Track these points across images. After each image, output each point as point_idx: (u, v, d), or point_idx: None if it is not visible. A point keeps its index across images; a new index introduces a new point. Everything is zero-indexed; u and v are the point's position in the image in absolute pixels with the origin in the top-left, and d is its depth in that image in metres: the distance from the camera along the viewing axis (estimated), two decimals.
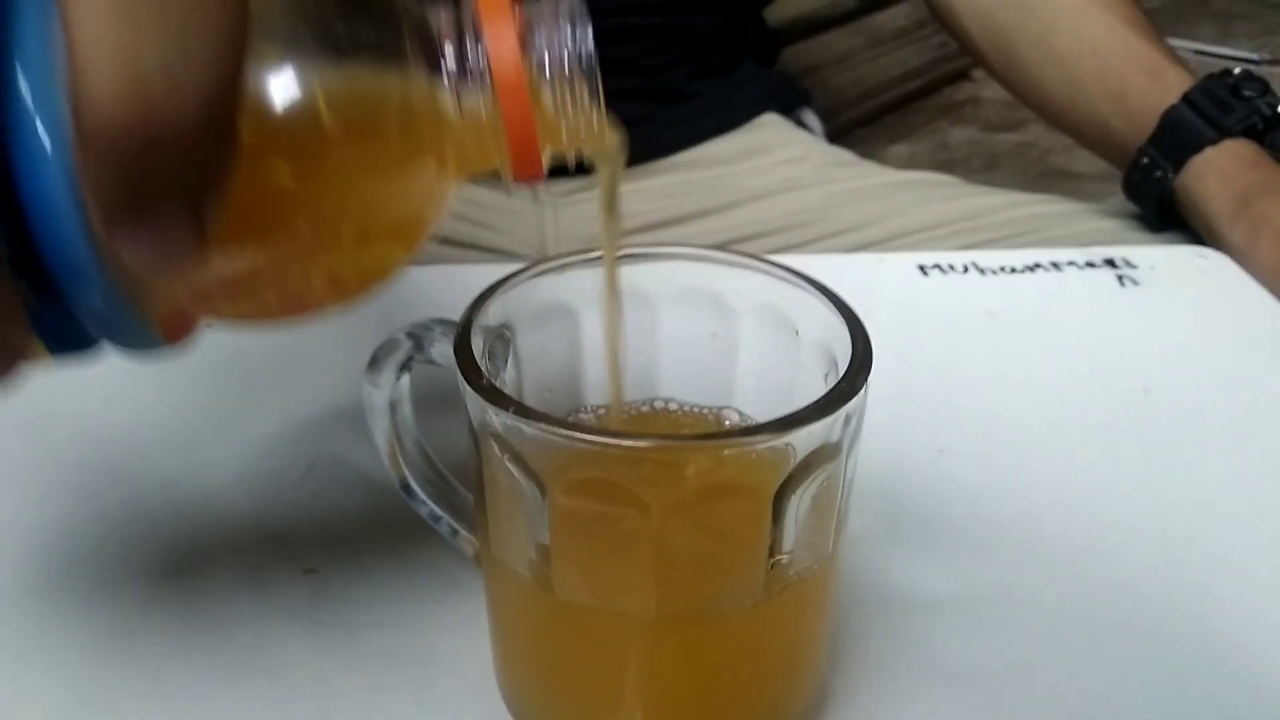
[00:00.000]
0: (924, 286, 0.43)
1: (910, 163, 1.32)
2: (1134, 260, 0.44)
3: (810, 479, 0.19)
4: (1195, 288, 0.43)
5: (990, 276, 0.43)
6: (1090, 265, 0.44)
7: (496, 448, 0.19)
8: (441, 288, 0.41)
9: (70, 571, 0.28)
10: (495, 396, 0.18)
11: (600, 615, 0.20)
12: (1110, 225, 0.55)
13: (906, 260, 0.44)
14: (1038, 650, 0.26)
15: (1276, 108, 0.50)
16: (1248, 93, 0.50)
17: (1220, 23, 1.68)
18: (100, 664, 0.26)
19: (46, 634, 0.27)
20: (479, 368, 0.19)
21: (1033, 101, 0.61)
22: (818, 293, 0.21)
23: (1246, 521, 0.31)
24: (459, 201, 0.63)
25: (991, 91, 0.65)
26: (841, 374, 0.19)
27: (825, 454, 0.19)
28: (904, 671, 0.25)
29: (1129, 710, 0.25)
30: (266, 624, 0.27)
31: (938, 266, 0.44)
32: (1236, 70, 0.52)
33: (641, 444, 0.18)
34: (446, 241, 0.60)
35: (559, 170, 0.67)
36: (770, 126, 0.67)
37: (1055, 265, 0.44)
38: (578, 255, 0.23)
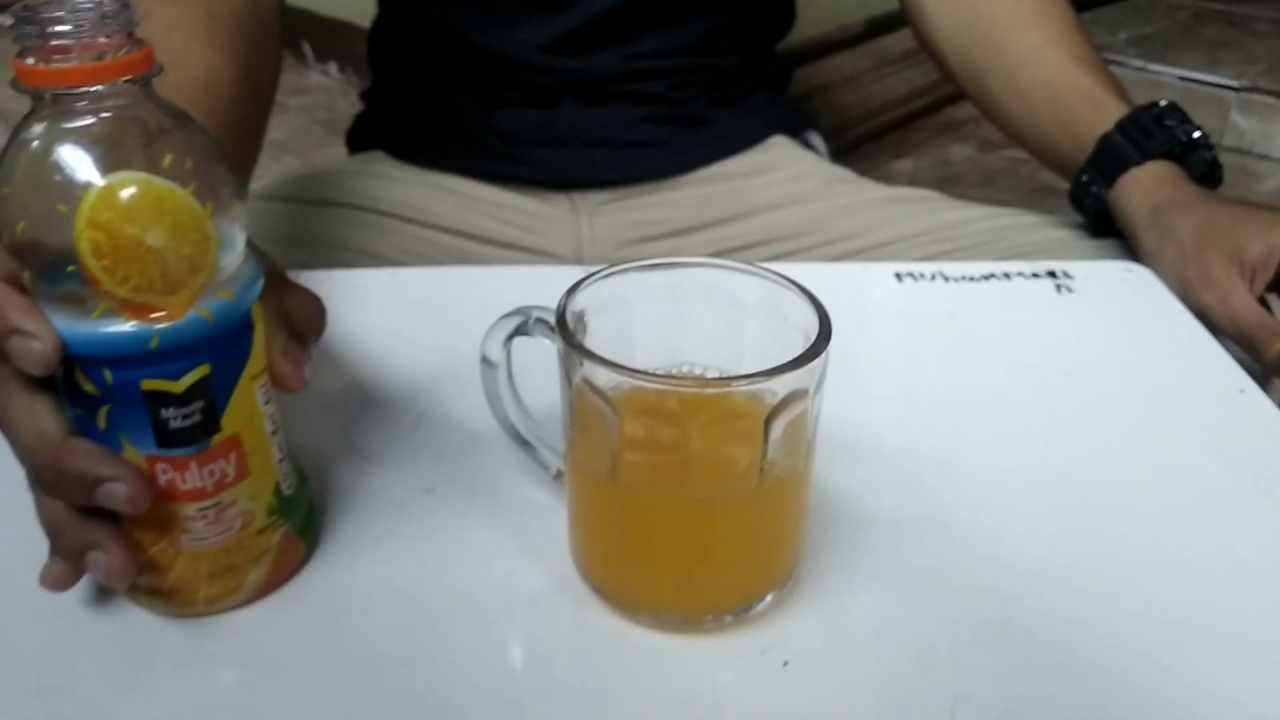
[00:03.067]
0: (899, 290, 0.52)
1: (913, 177, 1.40)
2: (1071, 272, 0.54)
3: (787, 411, 0.29)
4: (1120, 296, 0.53)
5: (953, 283, 0.53)
6: (1035, 275, 0.53)
7: (585, 387, 0.29)
8: (495, 284, 0.52)
9: None
10: (586, 351, 0.29)
11: (650, 500, 0.31)
12: (1063, 235, 0.64)
13: (886, 269, 0.54)
14: (961, 554, 0.36)
15: (1192, 135, 0.59)
16: (1169, 122, 0.59)
17: (1208, 50, 1.76)
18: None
19: None
20: (573, 332, 0.30)
21: (999, 124, 0.69)
22: (800, 292, 0.31)
23: (1142, 467, 0.40)
24: (507, 209, 0.73)
25: None
26: (810, 344, 0.29)
27: (798, 395, 0.29)
28: (857, 566, 0.35)
29: (1034, 606, 0.34)
30: (393, 532, 0.37)
31: (911, 274, 0.53)
32: (1163, 102, 0.61)
33: (680, 383, 0.28)
34: (494, 243, 0.69)
35: (594, 182, 0.77)
36: (779, 147, 0.75)
37: (1006, 275, 0.53)
38: (631, 265, 0.33)
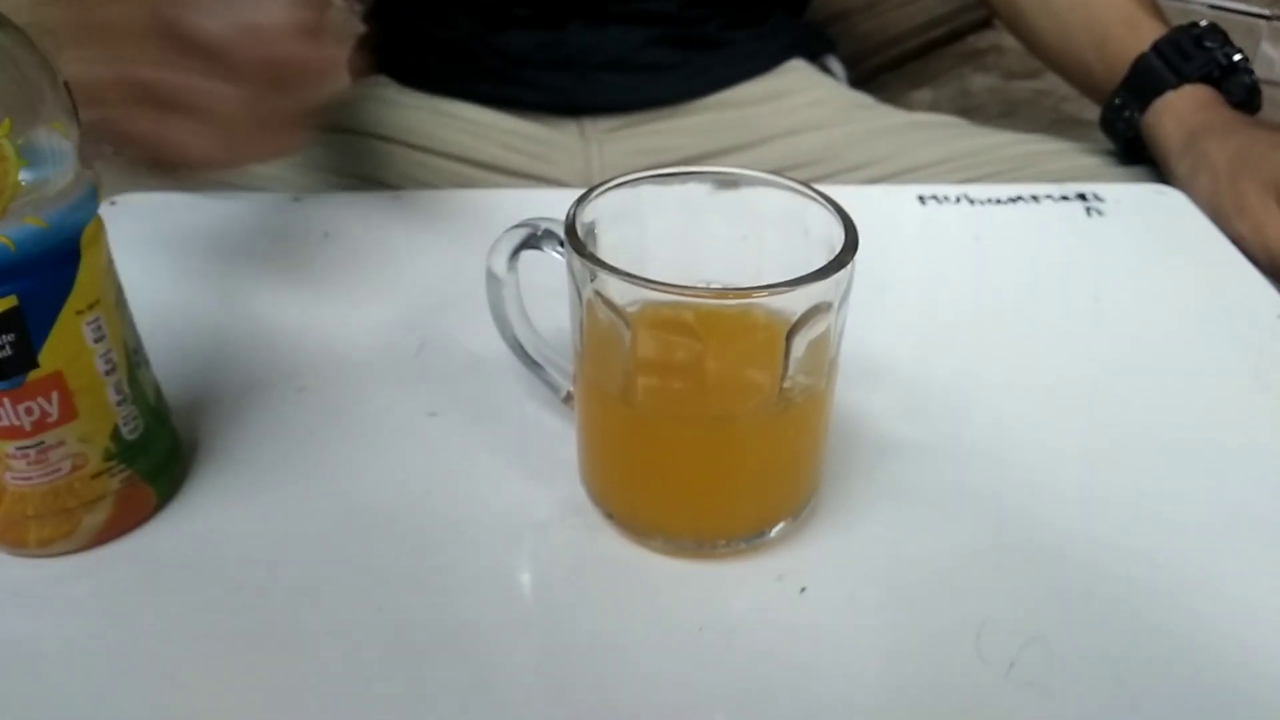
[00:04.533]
0: (922, 213, 0.50)
1: (932, 108, 1.36)
2: (1102, 195, 0.52)
3: (809, 327, 0.27)
4: (1151, 219, 0.50)
5: (979, 206, 0.51)
6: (1064, 199, 0.51)
7: (597, 300, 0.28)
8: (502, 207, 0.50)
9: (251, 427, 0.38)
10: (597, 261, 0.27)
11: (665, 420, 0.29)
12: (1092, 162, 0.62)
13: (908, 191, 0.52)
14: (984, 479, 0.35)
15: (1233, 58, 0.56)
16: (1209, 44, 0.56)
17: None
18: (282, 472, 0.35)
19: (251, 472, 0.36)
20: (584, 243, 0.28)
21: (1031, 45, 0.67)
22: (824, 203, 0.30)
23: (1174, 393, 0.39)
24: (513, 135, 0.70)
25: (1012, 40, 0.68)
26: (834, 256, 0.27)
27: (820, 310, 0.27)
28: (877, 491, 0.34)
29: (1060, 531, 0.33)
30: (399, 453, 0.36)
31: (934, 197, 0.51)
32: (1203, 23, 0.58)
33: (697, 294, 0.26)
34: (503, 170, 0.67)
35: (603, 107, 0.75)
36: (797, 71, 0.72)
37: (1034, 198, 0.51)
38: (642, 174, 0.31)
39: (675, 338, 0.28)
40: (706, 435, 0.29)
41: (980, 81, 1.43)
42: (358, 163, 0.63)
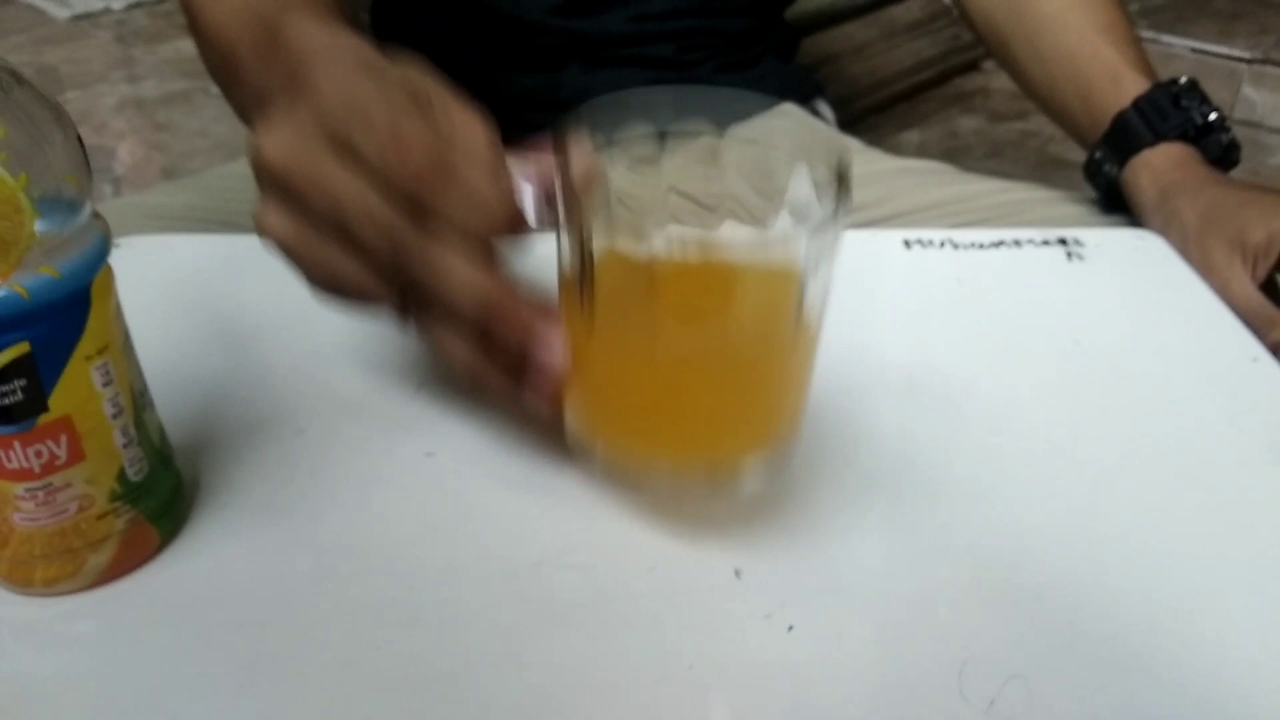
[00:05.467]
0: (908, 257, 0.52)
1: (921, 148, 1.39)
2: (1083, 240, 0.53)
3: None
4: (1131, 264, 0.52)
5: (962, 250, 0.52)
6: (1046, 243, 0.53)
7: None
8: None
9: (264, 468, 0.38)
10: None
11: (687, 357, 0.32)
12: (1075, 211, 0.63)
13: (894, 236, 0.53)
14: (967, 518, 0.36)
15: (1208, 117, 0.58)
16: (1185, 103, 0.58)
17: (1221, 21, 1.74)
18: (290, 507, 0.36)
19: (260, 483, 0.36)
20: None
21: (1022, 88, 0.69)
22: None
23: (1152, 435, 0.40)
24: None
25: (999, 82, 0.70)
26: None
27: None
28: (862, 526, 0.35)
29: (1042, 570, 0.34)
30: (397, 493, 0.37)
31: (919, 241, 0.53)
32: (1182, 80, 0.60)
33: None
34: None
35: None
36: (788, 115, 0.73)
37: (1017, 243, 0.53)
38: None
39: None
40: (721, 363, 0.32)
41: (967, 123, 1.46)
42: None
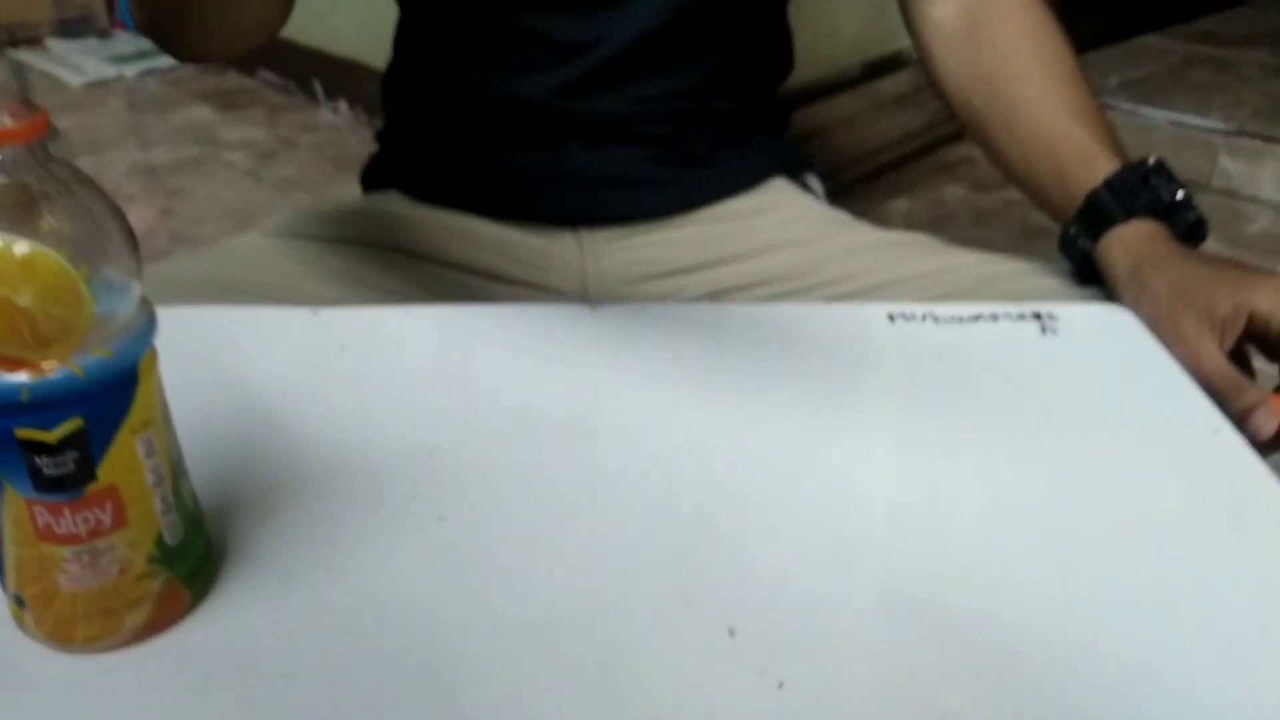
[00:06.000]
0: (891, 330, 0.55)
1: (909, 216, 1.43)
2: (1056, 314, 0.56)
3: None
4: (1101, 337, 0.55)
5: (943, 324, 0.55)
6: (1021, 317, 0.56)
7: None
8: (506, 321, 0.54)
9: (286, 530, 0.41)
10: None
11: None
12: (1052, 283, 0.66)
13: (879, 309, 0.56)
14: (935, 583, 0.38)
15: (1175, 195, 0.61)
16: (1154, 182, 0.61)
17: (1198, 94, 1.80)
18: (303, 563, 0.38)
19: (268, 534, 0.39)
20: None
21: (998, 167, 0.72)
22: None
23: (1118, 501, 0.42)
24: (515, 246, 0.75)
25: (982, 154, 0.74)
26: None
27: None
28: (845, 591, 0.37)
29: (1010, 634, 0.36)
30: (412, 554, 0.39)
31: (903, 315, 0.56)
32: (1151, 160, 0.63)
33: None
34: (505, 279, 0.72)
35: (599, 220, 0.80)
36: (778, 189, 0.77)
37: (994, 316, 0.56)
38: None
39: None
40: None
41: (953, 192, 1.51)
42: (373, 272, 0.68)
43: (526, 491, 0.42)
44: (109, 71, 2.26)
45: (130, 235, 0.33)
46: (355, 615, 0.36)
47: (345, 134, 1.89)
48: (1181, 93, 1.82)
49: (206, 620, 0.36)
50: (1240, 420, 0.49)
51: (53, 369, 0.30)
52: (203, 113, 1.96)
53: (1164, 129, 1.73)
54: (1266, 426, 0.49)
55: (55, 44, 2.44)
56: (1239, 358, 0.55)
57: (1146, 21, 2.28)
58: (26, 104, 0.30)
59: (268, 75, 2.16)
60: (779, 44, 0.81)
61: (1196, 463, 0.45)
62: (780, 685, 0.34)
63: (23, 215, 0.30)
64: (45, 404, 0.30)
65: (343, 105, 2.02)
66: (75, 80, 2.22)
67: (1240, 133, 1.67)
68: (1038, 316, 0.56)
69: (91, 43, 2.45)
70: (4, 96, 0.30)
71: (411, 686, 0.33)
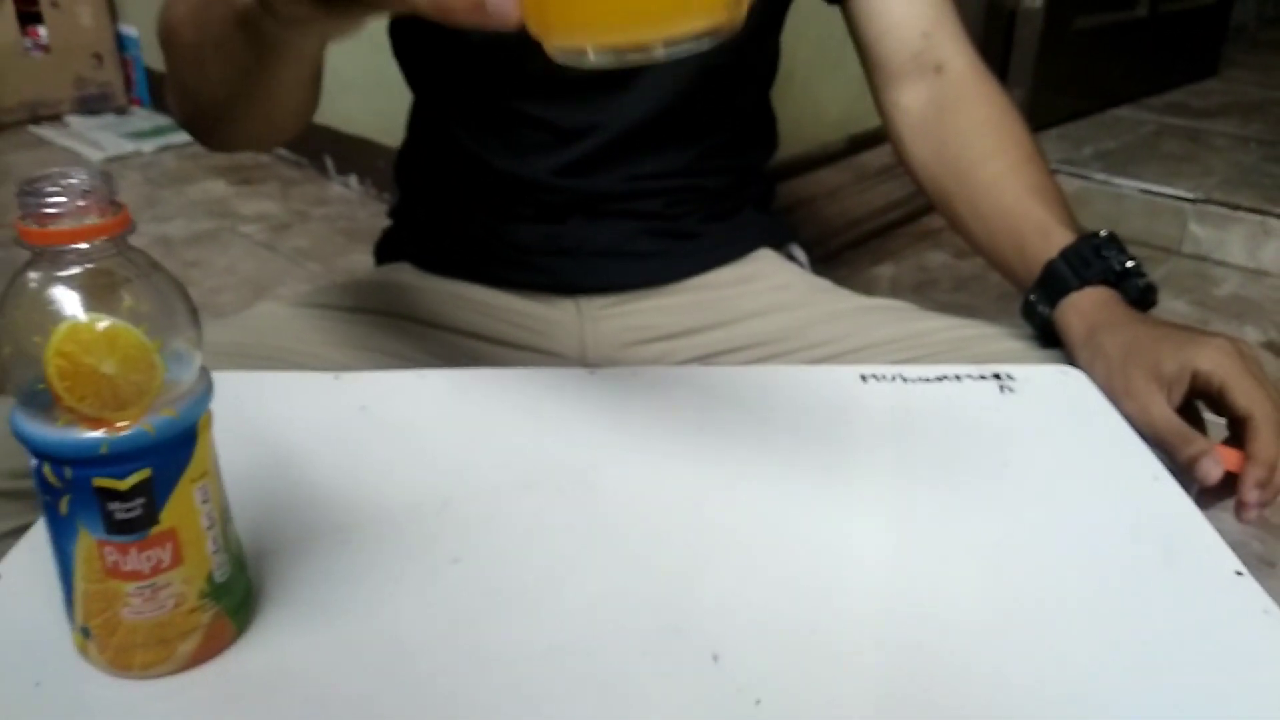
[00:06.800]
0: (863, 390, 0.60)
1: (894, 281, 1.49)
2: (1015, 375, 0.62)
3: None
4: (1054, 396, 0.60)
5: (911, 384, 0.60)
6: (982, 378, 0.61)
7: None
8: (511, 384, 0.59)
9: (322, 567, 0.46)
10: None
11: None
12: (1017, 346, 0.71)
13: (852, 371, 0.62)
14: (898, 619, 0.42)
15: (1126, 264, 0.67)
16: (1106, 253, 0.67)
17: (1169, 164, 1.88)
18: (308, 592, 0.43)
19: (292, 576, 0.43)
20: None
21: (965, 239, 0.77)
22: None
23: (1065, 545, 0.47)
24: (518, 314, 0.81)
25: None
26: None
27: None
28: (819, 619, 0.42)
29: (961, 676, 0.41)
30: (429, 593, 0.44)
31: (874, 376, 0.61)
32: (1103, 233, 0.69)
33: None
34: (509, 344, 0.77)
35: (596, 289, 0.87)
36: (764, 259, 0.83)
37: (957, 377, 0.61)
38: None
39: None
40: None
41: (935, 258, 1.57)
42: (387, 339, 0.73)
43: (532, 536, 0.47)
44: (127, 147, 2.34)
45: (194, 312, 0.38)
46: (379, 645, 0.41)
47: (356, 207, 1.96)
48: (1153, 162, 1.90)
49: (248, 650, 0.40)
50: (1188, 467, 0.54)
51: (126, 427, 0.35)
52: (218, 187, 2.03)
53: (1136, 197, 1.81)
54: (1213, 472, 0.54)
55: (75, 120, 2.53)
56: (1189, 413, 0.60)
57: (1120, 94, 2.39)
58: (113, 204, 0.36)
59: (281, 151, 2.24)
60: (764, 124, 0.88)
61: (1136, 507, 0.50)
62: (758, 702, 0.38)
63: (107, 296, 0.35)
64: (120, 457, 0.35)
65: (353, 179, 2.10)
66: (94, 155, 2.30)
67: (1208, 200, 1.74)
68: (997, 377, 0.61)
69: (110, 119, 2.55)
70: (96, 198, 0.35)
71: (429, 707, 0.38)
